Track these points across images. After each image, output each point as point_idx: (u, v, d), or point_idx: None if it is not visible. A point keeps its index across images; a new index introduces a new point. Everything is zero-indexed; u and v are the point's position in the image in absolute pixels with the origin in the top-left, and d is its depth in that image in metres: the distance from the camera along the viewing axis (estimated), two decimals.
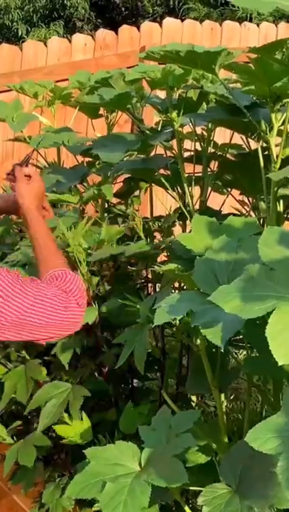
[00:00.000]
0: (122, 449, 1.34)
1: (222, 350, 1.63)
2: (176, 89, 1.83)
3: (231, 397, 2.08)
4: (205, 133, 2.01)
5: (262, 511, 1.18)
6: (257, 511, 1.17)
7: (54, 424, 1.85)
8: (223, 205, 2.06)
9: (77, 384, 1.92)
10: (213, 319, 1.07)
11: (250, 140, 1.88)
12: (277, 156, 1.48)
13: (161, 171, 2.04)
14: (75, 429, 1.80)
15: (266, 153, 1.67)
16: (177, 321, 1.98)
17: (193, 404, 2.01)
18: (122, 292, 1.85)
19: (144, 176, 2.10)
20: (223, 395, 1.65)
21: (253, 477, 1.23)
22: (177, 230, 2.11)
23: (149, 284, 2.22)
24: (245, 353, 2.38)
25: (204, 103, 1.95)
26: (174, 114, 1.73)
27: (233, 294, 0.96)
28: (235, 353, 2.04)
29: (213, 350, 1.67)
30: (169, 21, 4.89)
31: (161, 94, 2.19)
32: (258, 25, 5.26)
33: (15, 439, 1.96)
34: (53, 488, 1.93)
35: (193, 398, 2.06)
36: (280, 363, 0.90)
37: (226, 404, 1.70)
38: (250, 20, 6.58)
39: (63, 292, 1.50)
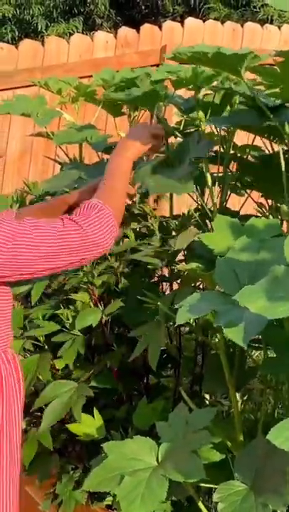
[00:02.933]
0: (139, 443, 1.36)
1: (242, 350, 1.66)
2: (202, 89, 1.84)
3: (244, 398, 2.09)
4: (226, 134, 2.02)
5: (277, 508, 1.19)
6: (272, 508, 1.19)
7: (64, 421, 1.88)
8: (242, 207, 2.07)
9: (87, 380, 1.93)
10: (235, 319, 1.08)
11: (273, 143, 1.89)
12: None
13: None
14: (87, 426, 1.81)
15: (287, 156, 1.69)
16: (192, 320, 2.00)
17: (207, 403, 2.02)
18: (139, 289, 1.87)
19: None
20: (237, 395, 1.66)
21: (268, 475, 1.24)
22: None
23: (165, 282, 2.24)
24: (258, 353, 2.41)
25: (228, 105, 1.97)
26: (201, 114, 1.74)
27: (258, 294, 0.97)
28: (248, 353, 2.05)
29: (231, 350, 1.69)
30: (190, 21, 4.90)
31: (183, 94, 2.20)
32: (279, 28, 5.26)
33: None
34: (67, 480, 1.95)
35: (207, 397, 2.08)
36: None
37: (239, 404, 1.71)
38: (271, 23, 6.57)
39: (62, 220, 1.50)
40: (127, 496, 1.25)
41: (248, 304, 0.98)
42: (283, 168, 1.63)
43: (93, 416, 1.81)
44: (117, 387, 2.00)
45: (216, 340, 1.55)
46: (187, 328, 2.18)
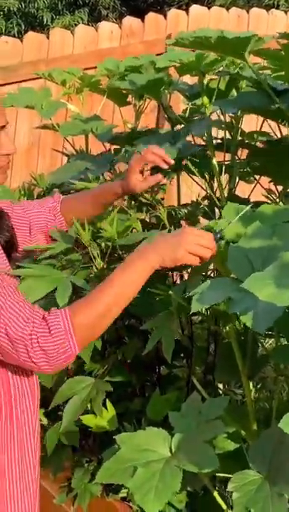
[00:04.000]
0: (152, 434, 1.35)
1: (253, 338, 1.64)
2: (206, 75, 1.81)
3: (258, 386, 2.07)
4: (233, 120, 2.00)
5: None
6: (287, 497, 1.17)
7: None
8: (251, 193, 2.05)
9: (102, 375, 1.91)
10: (251, 306, 1.05)
11: (282, 128, 1.86)
12: None
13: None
14: (100, 418, 1.80)
15: None
16: (204, 309, 1.98)
17: (221, 392, 2.01)
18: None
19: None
20: (251, 383, 1.65)
21: (283, 463, 1.22)
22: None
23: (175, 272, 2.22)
24: (271, 341, 2.39)
25: (233, 90, 1.94)
26: (206, 100, 1.71)
27: (267, 281, 0.95)
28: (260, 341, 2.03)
29: (242, 337, 1.67)
30: (195, 8, 4.87)
31: (189, 81, 2.18)
32: (285, 13, 5.21)
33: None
34: (82, 473, 1.95)
35: (220, 386, 2.06)
36: None
37: (253, 393, 1.70)
38: (277, 8, 6.52)
39: (30, 327, 1.30)
40: (141, 488, 1.23)
41: (257, 291, 0.95)
42: None
43: (106, 408, 1.80)
44: (131, 380, 1.98)
45: (227, 328, 1.53)
46: (199, 318, 2.17)
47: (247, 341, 1.60)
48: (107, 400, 1.82)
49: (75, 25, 6.74)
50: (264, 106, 1.65)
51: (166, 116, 2.12)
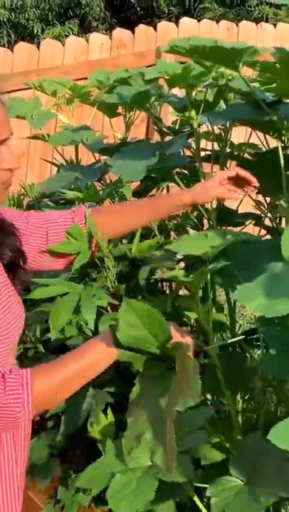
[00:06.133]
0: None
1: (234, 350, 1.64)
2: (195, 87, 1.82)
3: (246, 397, 2.08)
4: (222, 132, 2.01)
5: (267, 500, 1.17)
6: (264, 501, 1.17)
7: None
8: (239, 204, 2.06)
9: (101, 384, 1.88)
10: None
11: (269, 140, 1.88)
12: None
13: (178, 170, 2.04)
14: (99, 425, 1.77)
15: (284, 152, 1.67)
16: (192, 321, 1.99)
17: (209, 403, 2.01)
18: (139, 291, 1.85)
19: (161, 174, 2.10)
20: (239, 395, 1.65)
21: (264, 471, 1.23)
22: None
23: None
24: (259, 352, 2.39)
25: (221, 102, 1.95)
26: (193, 113, 1.72)
27: (257, 291, 0.96)
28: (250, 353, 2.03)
29: (230, 349, 1.68)
30: (185, 21, 4.90)
31: (179, 93, 2.19)
32: (274, 26, 5.25)
33: None
34: (69, 484, 1.94)
35: (208, 396, 2.06)
36: None
37: (241, 404, 1.70)
38: (267, 21, 6.57)
39: None
40: (116, 494, 1.23)
41: (247, 302, 0.95)
42: (282, 164, 1.61)
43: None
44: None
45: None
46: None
47: (232, 354, 1.60)
48: (109, 409, 1.79)
49: (66, 36, 6.77)
50: (253, 117, 1.66)
51: (155, 127, 2.13)
